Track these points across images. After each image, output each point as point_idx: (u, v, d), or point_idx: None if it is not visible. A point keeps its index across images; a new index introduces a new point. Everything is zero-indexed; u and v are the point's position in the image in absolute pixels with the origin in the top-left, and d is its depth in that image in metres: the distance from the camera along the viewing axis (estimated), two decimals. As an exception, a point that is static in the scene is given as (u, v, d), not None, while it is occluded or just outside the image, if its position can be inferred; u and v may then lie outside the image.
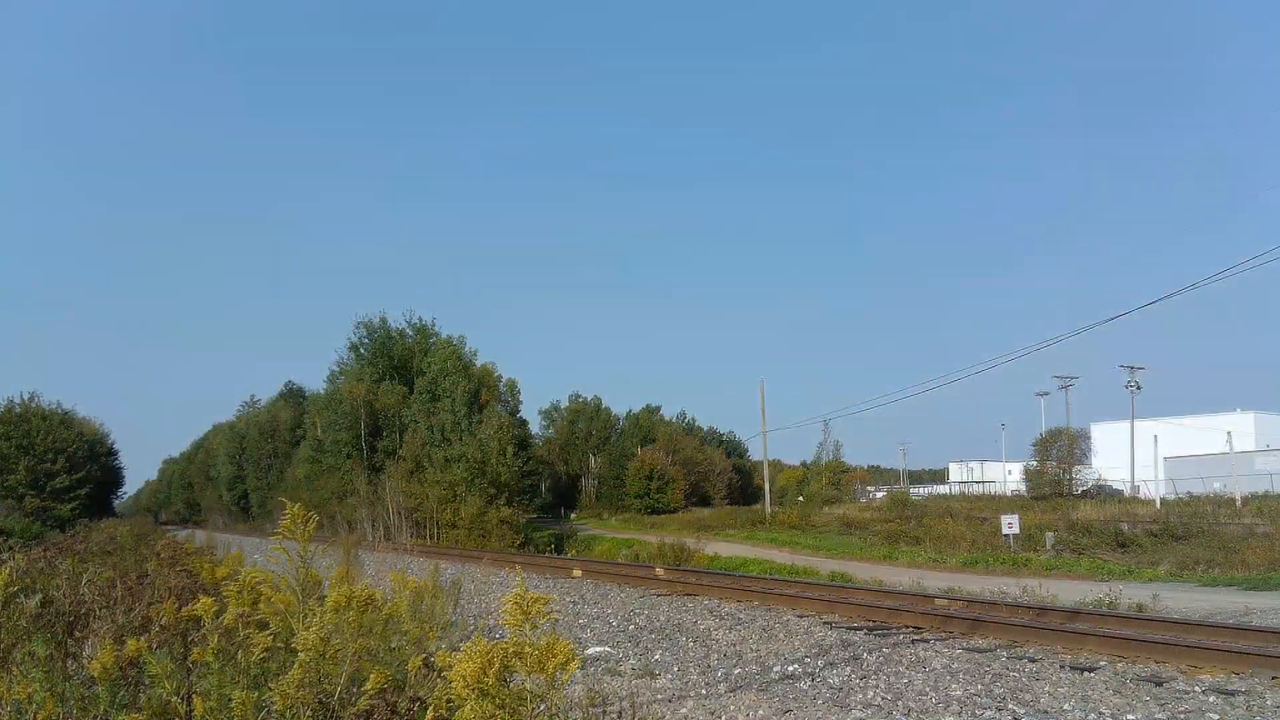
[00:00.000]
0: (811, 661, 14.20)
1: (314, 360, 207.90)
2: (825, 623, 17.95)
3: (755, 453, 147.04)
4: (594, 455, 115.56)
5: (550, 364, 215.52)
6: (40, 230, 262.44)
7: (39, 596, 12.22)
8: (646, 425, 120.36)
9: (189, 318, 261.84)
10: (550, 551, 50.15)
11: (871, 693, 12.13)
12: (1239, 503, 60.34)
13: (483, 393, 67.13)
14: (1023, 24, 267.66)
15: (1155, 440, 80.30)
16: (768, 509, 77.76)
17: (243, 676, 6.60)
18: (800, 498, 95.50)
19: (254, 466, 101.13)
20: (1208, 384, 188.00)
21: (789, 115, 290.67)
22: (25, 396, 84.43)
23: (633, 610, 20.16)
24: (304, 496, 63.68)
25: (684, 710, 11.25)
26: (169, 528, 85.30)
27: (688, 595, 22.98)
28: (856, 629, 17.25)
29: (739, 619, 18.39)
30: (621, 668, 13.60)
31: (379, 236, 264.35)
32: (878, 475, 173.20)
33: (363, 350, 76.09)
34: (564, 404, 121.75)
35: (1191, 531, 40.74)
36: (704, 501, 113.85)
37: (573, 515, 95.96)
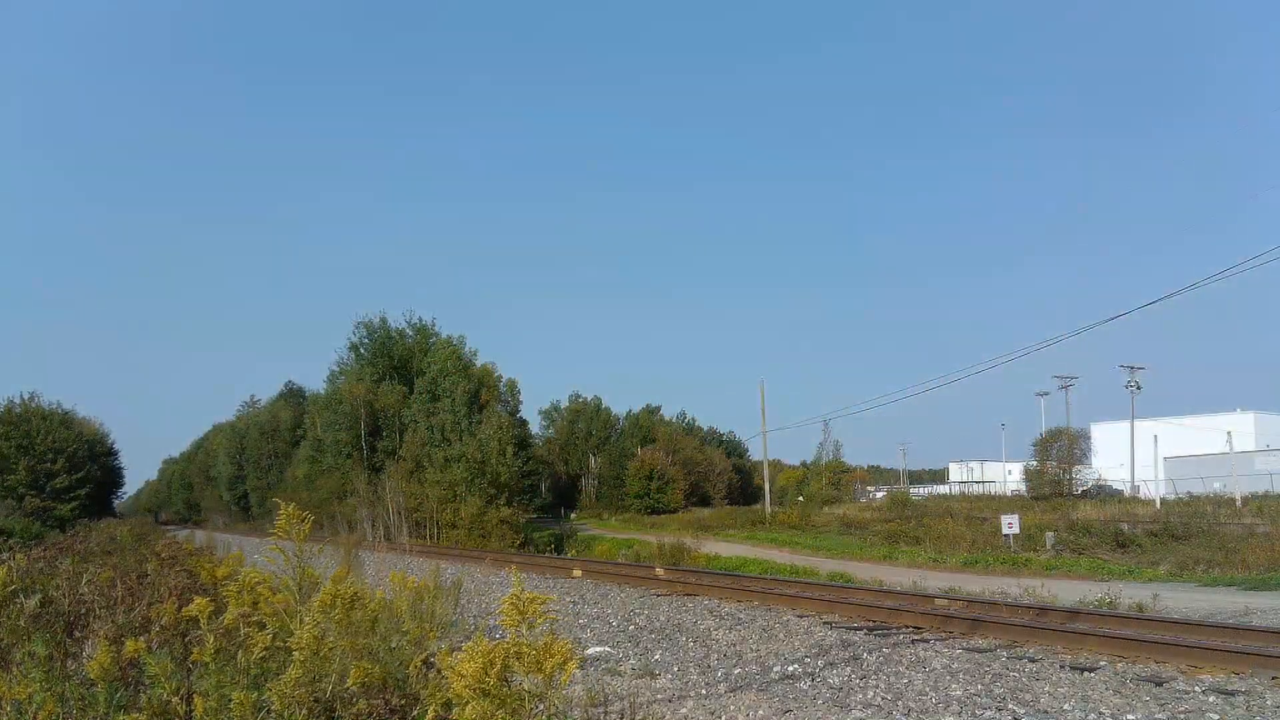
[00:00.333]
0: (811, 661, 14.20)
1: (314, 360, 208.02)
2: (825, 623, 17.95)
3: (755, 453, 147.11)
4: (594, 455, 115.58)
5: (550, 364, 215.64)
6: (40, 230, 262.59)
7: (39, 596, 12.21)
8: (646, 425, 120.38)
9: (189, 318, 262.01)
10: (550, 551, 50.16)
11: (871, 693, 12.13)
12: (1239, 503, 60.34)
13: (483, 393, 67.15)
14: (1023, 24, 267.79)
15: (1155, 440, 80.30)
16: (768, 509, 77.77)
17: (242, 676, 6.60)
18: (800, 498, 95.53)
19: (254, 466, 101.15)
20: (1208, 384, 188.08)
21: (789, 115, 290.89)
22: (25, 396, 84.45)
23: (633, 610, 20.17)
24: (304, 496, 63.77)
25: (684, 710, 11.25)
26: (169, 528, 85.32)
27: (688, 595, 22.99)
28: (856, 629, 17.25)
29: (739, 619, 18.39)
30: (621, 668, 13.60)
31: (379, 236, 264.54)
32: (878, 475, 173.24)
33: (363, 350, 76.12)
34: (564, 404, 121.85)
35: (1191, 531, 40.74)
36: (704, 501, 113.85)
37: (573, 515, 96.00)
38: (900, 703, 11.58)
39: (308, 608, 7.23)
